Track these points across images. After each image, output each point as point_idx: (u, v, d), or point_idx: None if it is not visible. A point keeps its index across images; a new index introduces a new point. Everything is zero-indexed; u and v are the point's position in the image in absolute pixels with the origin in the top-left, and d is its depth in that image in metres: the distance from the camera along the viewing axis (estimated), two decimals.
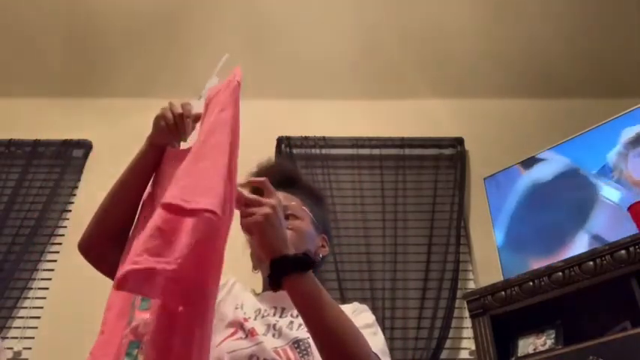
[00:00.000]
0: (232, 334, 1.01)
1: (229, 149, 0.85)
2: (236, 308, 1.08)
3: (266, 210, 0.89)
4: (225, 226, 0.80)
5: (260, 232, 0.89)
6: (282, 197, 1.14)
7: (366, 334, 0.99)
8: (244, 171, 1.17)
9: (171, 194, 0.78)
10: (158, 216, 0.75)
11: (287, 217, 1.13)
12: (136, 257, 0.71)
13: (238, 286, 1.17)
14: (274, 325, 1.03)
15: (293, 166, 1.28)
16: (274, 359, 0.96)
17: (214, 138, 0.86)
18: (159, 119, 1.04)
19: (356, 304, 1.13)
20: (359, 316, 1.08)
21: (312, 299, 0.87)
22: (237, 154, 0.89)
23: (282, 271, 0.87)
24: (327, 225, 1.29)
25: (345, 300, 2.44)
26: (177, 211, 0.75)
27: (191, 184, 0.79)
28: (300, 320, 1.05)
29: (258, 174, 1.27)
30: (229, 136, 0.86)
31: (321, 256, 1.21)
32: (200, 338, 0.76)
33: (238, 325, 1.02)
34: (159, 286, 0.72)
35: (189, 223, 0.74)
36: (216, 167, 0.82)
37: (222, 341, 1.01)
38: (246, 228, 0.90)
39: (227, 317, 1.03)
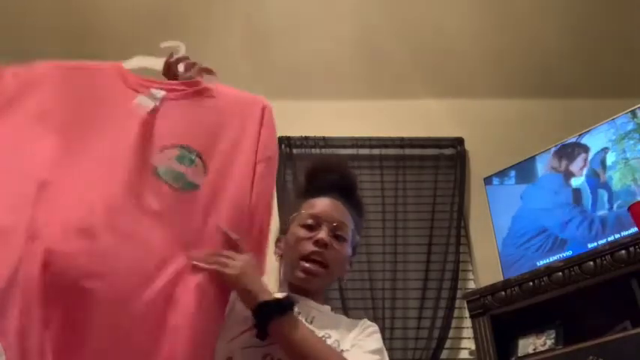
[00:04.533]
0: (249, 329, 1.01)
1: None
2: None
3: (240, 263, 0.95)
4: None
5: (235, 284, 0.96)
6: (337, 210, 1.16)
7: None
8: None
9: None
10: None
11: (337, 237, 1.14)
12: None
13: None
14: None
15: (352, 170, 1.23)
16: None
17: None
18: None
19: (366, 322, 1.14)
20: (370, 337, 1.09)
21: (294, 338, 0.95)
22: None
23: (266, 317, 0.94)
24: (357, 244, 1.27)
25: (345, 300, 2.44)
26: None
27: None
28: (311, 325, 1.07)
29: (314, 170, 1.27)
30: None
31: (345, 279, 1.27)
32: None
33: (253, 322, 1.02)
34: None
35: None
36: None
37: (236, 336, 1.02)
38: (224, 279, 0.95)
39: (242, 312, 1.03)
